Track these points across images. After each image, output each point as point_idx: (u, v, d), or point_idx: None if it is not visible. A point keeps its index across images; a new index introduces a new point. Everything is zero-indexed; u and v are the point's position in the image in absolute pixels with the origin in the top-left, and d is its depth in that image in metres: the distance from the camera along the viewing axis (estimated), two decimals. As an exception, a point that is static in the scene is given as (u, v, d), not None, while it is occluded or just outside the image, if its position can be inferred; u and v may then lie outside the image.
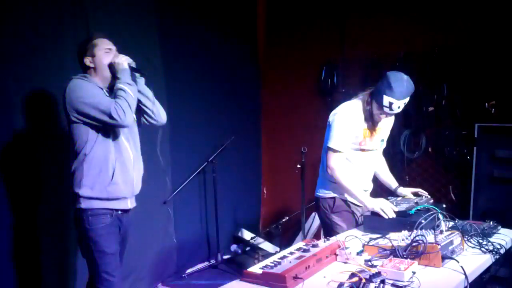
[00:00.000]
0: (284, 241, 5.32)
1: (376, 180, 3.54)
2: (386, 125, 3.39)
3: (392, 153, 4.70)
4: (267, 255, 5.00)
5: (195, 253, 5.15)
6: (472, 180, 4.47)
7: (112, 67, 2.88)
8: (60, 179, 3.49)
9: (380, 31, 5.04)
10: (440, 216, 2.76)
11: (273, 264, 2.31)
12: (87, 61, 2.90)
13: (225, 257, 5.32)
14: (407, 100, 3.08)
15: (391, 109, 3.06)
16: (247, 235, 5.61)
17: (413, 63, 4.73)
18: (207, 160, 5.01)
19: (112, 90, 2.87)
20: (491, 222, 3.01)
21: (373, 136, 3.29)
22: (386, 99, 3.04)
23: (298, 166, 4.21)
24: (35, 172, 3.56)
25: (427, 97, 4.67)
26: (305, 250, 2.49)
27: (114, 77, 2.88)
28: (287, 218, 5.26)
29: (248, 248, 5.46)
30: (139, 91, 2.95)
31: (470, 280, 2.29)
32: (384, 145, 3.45)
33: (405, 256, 2.38)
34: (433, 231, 2.59)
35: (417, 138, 4.84)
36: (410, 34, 4.84)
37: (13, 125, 3.44)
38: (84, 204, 2.84)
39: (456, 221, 2.90)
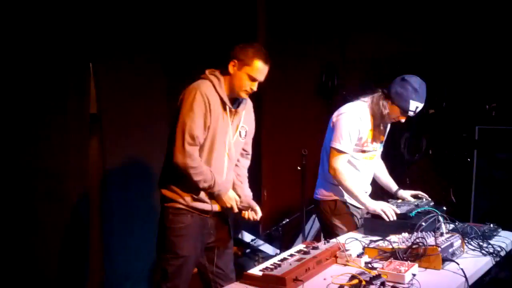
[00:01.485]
0: (284, 243, 5.30)
1: (376, 183, 3.54)
2: (387, 128, 3.40)
3: (392, 156, 4.69)
4: (267, 257, 4.98)
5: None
6: (472, 182, 4.46)
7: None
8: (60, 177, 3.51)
9: (380, 33, 5.04)
10: (441, 219, 2.76)
11: (273, 266, 2.30)
12: (231, 65, 2.74)
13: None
14: None
15: (414, 112, 3.10)
16: (247, 237, 5.59)
17: (413, 65, 4.73)
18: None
19: (233, 103, 2.77)
20: (491, 225, 3.01)
21: (376, 138, 3.29)
22: (414, 104, 3.07)
23: (298, 168, 4.20)
24: (35, 172, 3.57)
25: (428, 99, 4.66)
26: (305, 253, 2.49)
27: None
28: (287, 220, 5.25)
29: (248, 250, 5.44)
30: None
31: (471, 282, 2.30)
32: (382, 147, 3.45)
33: (405, 258, 2.38)
34: (433, 234, 2.59)
35: (418, 141, 4.83)
36: (411, 36, 4.84)
37: (14, 122, 3.45)
38: (167, 202, 2.80)
39: (457, 224, 2.90)
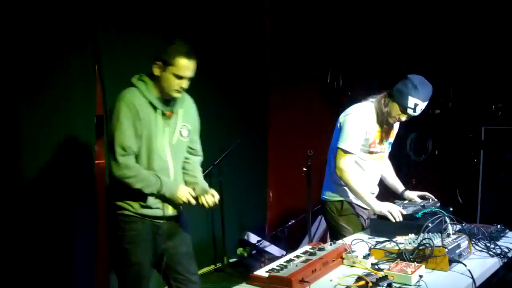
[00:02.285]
0: (290, 245, 5.30)
1: (382, 183, 3.53)
2: (393, 128, 3.39)
3: (398, 156, 4.68)
4: (274, 258, 4.99)
5: (202, 256, 5.15)
6: (479, 183, 4.45)
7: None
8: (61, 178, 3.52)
9: (386, 33, 5.03)
10: (447, 220, 2.75)
11: (279, 268, 2.30)
12: (156, 67, 2.67)
13: (232, 260, 5.32)
14: (427, 103, 3.11)
15: (415, 110, 3.08)
16: (253, 238, 5.59)
17: (419, 66, 4.72)
18: (213, 163, 5.01)
19: (167, 103, 2.73)
20: (498, 226, 2.99)
21: (384, 138, 3.28)
22: (412, 100, 3.04)
23: (304, 169, 4.20)
24: (36, 173, 3.58)
25: (434, 99, 4.63)
26: (311, 254, 2.48)
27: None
28: (293, 221, 5.25)
29: (254, 252, 5.45)
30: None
31: (478, 284, 2.28)
32: (390, 148, 3.44)
33: (412, 259, 2.37)
34: (440, 235, 2.58)
35: (424, 141, 4.82)
36: (416, 36, 4.83)
37: (16, 125, 3.46)
38: (118, 210, 2.75)
39: (463, 225, 2.89)
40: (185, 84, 2.68)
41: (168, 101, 2.75)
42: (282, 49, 5.97)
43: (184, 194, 2.74)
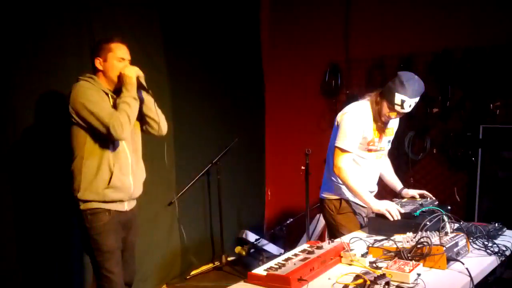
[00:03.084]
0: (288, 243, 5.31)
1: (381, 181, 3.53)
2: (392, 126, 3.39)
3: (397, 155, 4.69)
4: (272, 257, 4.99)
5: (200, 255, 5.15)
6: (477, 181, 4.46)
7: (120, 77, 2.91)
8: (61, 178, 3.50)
9: (384, 32, 5.03)
10: (445, 218, 2.75)
11: (277, 266, 2.30)
12: (98, 62, 2.93)
13: (230, 259, 5.32)
14: (417, 99, 3.10)
15: (402, 107, 3.07)
16: (251, 237, 5.60)
17: (417, 64, 4.73)
18: (211, 162, 5.01)
19: (118, 94, 2.92)
20: (496, 224, 2.99)
21: (382, 137, 3.29)
22: (398, 97, 3.04)
23: (302, 167, 4.20)
24: (37, 171, 3.57)
25: (432, 98, 4.66)
26: (309, 252, 2.48)
27: (121, 86, 2.91)
28: (292, 220, 5.25)
29: (252, 250, 5.45)
30: (143, 102, 3.02)
31: (476, 282, 2.29)
32: (389, 146, 3.44)
33: (410, 258, 2.38)
34: (438, 233, 2.58)
35: (422, 140, 4.83)
36: (415, 35, 4.83)
37: (16, 123, 3.45)
38: (82, 206, 2.90)
39: (461, 223, 2.89)
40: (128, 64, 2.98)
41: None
42: (279, 47, 5.97)
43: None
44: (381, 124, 3.24)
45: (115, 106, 2.89)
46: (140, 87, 2.95)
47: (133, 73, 2.91)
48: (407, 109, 3.09)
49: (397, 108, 3.08)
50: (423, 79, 3.14)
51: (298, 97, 5.80)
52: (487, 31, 4.42)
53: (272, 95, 6.05)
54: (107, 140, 2.88)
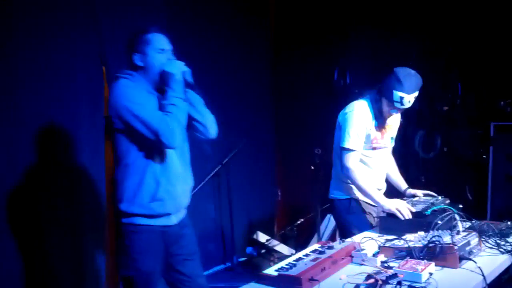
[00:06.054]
0: (299, 243, 5.31)
1: (386, 180, 3.53)
2: (394, 122, 3.39)
3: (407, 154, 4.67)
4: (283, 257, 4.99)
5: (211, 256, 5.16)
6: (488, 179, 4.43)
7: (163, 74, 2.56)
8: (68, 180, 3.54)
9: (392, 30, 5.01)
10: (457, 217, 2.74)
11: (288, 266, 2.30)
12: (137, 59, 2.60)
13: (241, 259, 5.32)
14: (416, 94, 3.09)
15: (402, 103, 3.07)
16: (262, 237, 5.60)
17: (426, 62, 4.70)
18: (220, 163, 5.01)
19: (162, 93, 2.58)
20: (509, 222, 2.96)
21: (384, 133, 3.29)
22: (397, 94, 3.05)
23: (312, 167, 4.20)
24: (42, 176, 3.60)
25: (442, 96, 4.63)
26: (320, 252, 2.48)
27: (165, 84, 2.57)
28: (302, 220, 5.25)
29: (263, 251, 5.45)
30: (188, 103, 2.65)
31: (489, 281, 2.27)
32: (393, 143, 3.44)
33: (421, 257, 2.36)
34: (449, 232, 2.56)
35: (432, 138, 4.80)
36: (423, 33, 4.81)
37: (23, 127, 3.47)
38: (125, 219, 2.59)
39: (473, 222, 2.87)
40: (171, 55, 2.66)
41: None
42: (288, 47, 5.96)
43: None
44: (382, 121, 3.25)
45: (160, 108, 2.54)
46: (186, 85, 2.60)
47: (177, 69, 2.56)
48: (407, 104, 3.09)
49: (397, 105, 3.09)
50: (433, 77, 3.13)
51: (308, 97, 5.78)
52: (497, 28, 4.39)
53: (281, 95, 6.04)
54: (153, 147, 2.54)
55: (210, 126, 2.81)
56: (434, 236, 2.44)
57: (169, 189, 2.61)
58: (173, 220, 2.69)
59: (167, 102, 2.50)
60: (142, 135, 2.47)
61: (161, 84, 2.58)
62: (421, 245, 2.43)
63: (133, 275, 2.60)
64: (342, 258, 2.46)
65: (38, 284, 3.51)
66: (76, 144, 3.74)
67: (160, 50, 2.59)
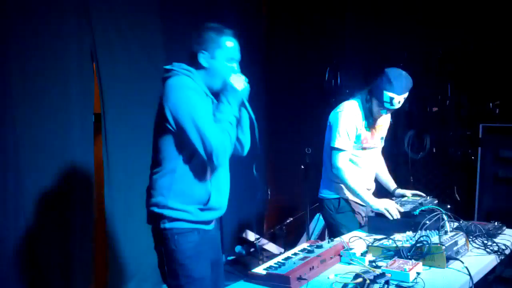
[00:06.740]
0: (288, 242, 5.31)
1: (375, 180, 3.54)
2: (385, 122, 3.41)
3: (396, 154, 4.69)
4: (272, 256, 4.99)
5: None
6: (476, 180, 4.45)
7: (226, 86, 2.37)
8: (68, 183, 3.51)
9: (384, 31, 5.03)
10: (445, 217, 2.76)
11: (277, 265, 2.31)
12: (203, 58, 2.39)
13: (230, 258, 5.32)
14: (406, 95, 3.11)
15: (391, 104, 3.08)
16: (251, 236, 5.60)
17: (417, 63, 4.72)
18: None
19: (215, 97, 2.42)
20: (496, 223, 3.00)
21: (374, 134, 3.31)
22: (387, 95, 3.06)
23: (302, 167, 4.21)
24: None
25: (431, 97, 4.66)
26: (309, 251, 2.49)
27: (223, 96, 2.37)
28: (292, 219, 5.26)
29: (252, 249, 5.45)
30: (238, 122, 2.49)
31: (475, 280, 2.29)
32: (383, 143, 3.45)
33: (409, 257, 2.38)
34: (437, 232, 2.58)
35: (422, 139, 4.82)
36: (414, 34, 4.83)
37: (13, 124, 3.46)
38: (168, 224, 2.39)
39: (461, 222, 2.89)
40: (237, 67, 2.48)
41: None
42: (279, 46, 5.96)
43: None
44: (372, 121, 3.26)
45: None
46: (242, 103, 2.43)
47: (241, 85, 2.38)
48: (397, 105, 3.11)
49: (387, 105, 3.11)
50: (423, 78, 3.15)
51: (298, 96, 5.79)
52: (486, 30, 4.42)
53: (272, 94, 6.04)
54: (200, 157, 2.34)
55: (247, 146, 2.70)
56: (422, 236, 2.46)
57: (219, 200, 2.52)
58: (212, 225, 2.57)
59: (223, 117, 2.32)
60: (193, 145, 2.27)
61: (219, 92, 2.40)
62: (409, 245, 2.45)
63: (183, 283, 2.39)
64: (331, 257, 2.47)
65: (27, 283, 3.49)
66: (65, 141, 3.73)
67: (230, 58, 2.42)
